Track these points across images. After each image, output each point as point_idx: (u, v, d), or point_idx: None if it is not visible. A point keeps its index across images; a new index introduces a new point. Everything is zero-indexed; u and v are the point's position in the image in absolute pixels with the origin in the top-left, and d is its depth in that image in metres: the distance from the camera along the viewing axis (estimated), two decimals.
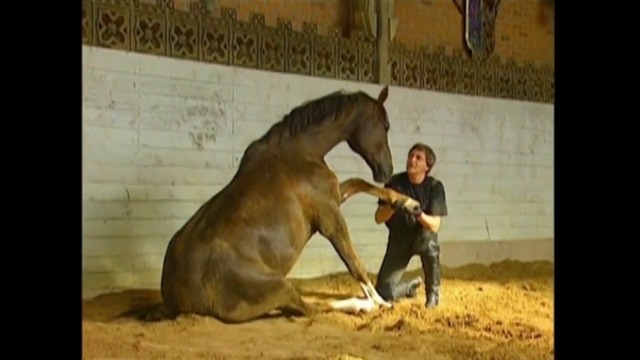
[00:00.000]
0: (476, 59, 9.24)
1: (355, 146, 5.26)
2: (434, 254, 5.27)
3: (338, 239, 4.97)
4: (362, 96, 5.27)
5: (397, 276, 5.57)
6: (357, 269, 5.04)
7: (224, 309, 4.36)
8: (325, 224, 4.93)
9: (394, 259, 5.53)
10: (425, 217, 5.29)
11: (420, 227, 5.30)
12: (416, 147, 5.55)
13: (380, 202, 5.34)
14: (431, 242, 5.26)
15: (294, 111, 5.14)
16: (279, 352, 3.56)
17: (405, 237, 5.37)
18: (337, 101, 5.16)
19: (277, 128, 5.11)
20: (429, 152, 5.54)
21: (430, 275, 5.29)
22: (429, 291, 5.31)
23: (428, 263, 5.30)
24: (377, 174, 5.24)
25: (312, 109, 5.10)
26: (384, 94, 5.31)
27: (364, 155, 5.25)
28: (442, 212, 5.44)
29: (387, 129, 5.32)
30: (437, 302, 5.29)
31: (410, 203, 5.19)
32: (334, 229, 4.94)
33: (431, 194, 5.44)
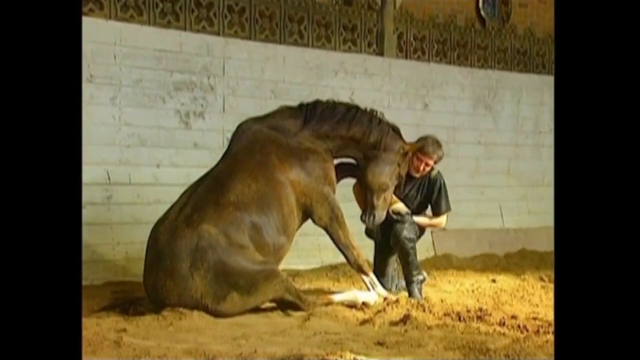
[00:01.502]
0: (490, 28, 9.20)
1: (362, 177, 5.20)
2: (408, 245, 5.29)
3: (334, 229, 4.99)
4: (395, 132, 5.21)
5: (391, 267, 5.60)
6: (356, 260, 5.05)
7: (213, 300, 4.36)
8: (319, 212, 4.94)
9: (382, 250, 5.55)
10: (424, 221, 5.44)
11: (392, 213, 5.31)
12: (427, 153, 5.36)
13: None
14: (404, 234, 5.27)
15: (317, 103, 5.11)
16: (274, 349, 3.56)
17: (387, 227, 5.40)
18: (368, 117, 5.12)
19: (283, 111, 5.09)
20: (440, 155, 5.44)
21: (407, 267, 5.32)
22: (409, 283, 5.33)
23: (403, 256, 5.33)
24: (368, 213, 5.17)
25: (339, 111, 5.07)
26: (417, 147, 5.26)
27: (364, 189, 5.19)
28: (448, 209, 5.54)
29: (401, 176, 5.26)
30: (420, 292, 5.32)
31: (399, 208, 5.27)
32: (329, 218, 4.96)
33: (432, 189, 5.48)
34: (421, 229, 5.51)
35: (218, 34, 7.07)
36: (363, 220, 5.25)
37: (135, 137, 6.47)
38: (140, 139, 6.49)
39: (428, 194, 5.51)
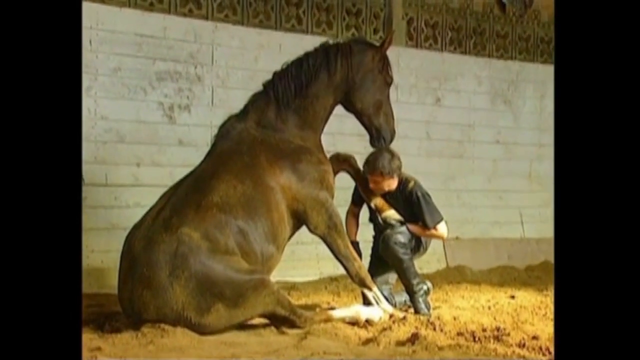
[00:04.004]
0: (511, 14, 9.22)
1: (349, 107, 5.27)
2: (400, 251, 5.27)
3: (332, 238, 4.99)
4: (358, 44, 5.28)
5: (388, 278, 5.58)
6: (357, 272, 5.06)
7: (196, 313, 4.35)
8: (315, 220, 4.94)
9: (379, 259, 5.52)
10: (419, 230, 5.36)
11: (382, 221, 5.32)
12: (373, 172, 5.22)
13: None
14: (395, 239, 5.26)
15: (274, 77, 5.13)
16: None
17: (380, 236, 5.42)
18: (323, 55, 5.13)
19: (256, 102, 5.11)
20: (390, 172, 5.23)
21: (404, 276, 5.32)
22: (411, 295, 5.35)
23: (396, 264, 5.32)
24: (376, 139, 5.25)
25: (295, 72, 5.09)
26: (388, 42, 5.31)
27: (359, 117, 5.26)
28: (435, 221, 5.38)
29: (389, 84, 5.31)
30: (427, 305, 5.34)
31: (391, 215, 5.30)
32: (326, 227, 4.96)
33: (409, 204, 5.37)
34: (418, 240, 5.43)
35: (206, 17, 7.08)
36: (374, 146, 5.25)
37: (113, 133, 6.47)
38: (118, 135, 6.49)
39: (407, 210, 5.39)
